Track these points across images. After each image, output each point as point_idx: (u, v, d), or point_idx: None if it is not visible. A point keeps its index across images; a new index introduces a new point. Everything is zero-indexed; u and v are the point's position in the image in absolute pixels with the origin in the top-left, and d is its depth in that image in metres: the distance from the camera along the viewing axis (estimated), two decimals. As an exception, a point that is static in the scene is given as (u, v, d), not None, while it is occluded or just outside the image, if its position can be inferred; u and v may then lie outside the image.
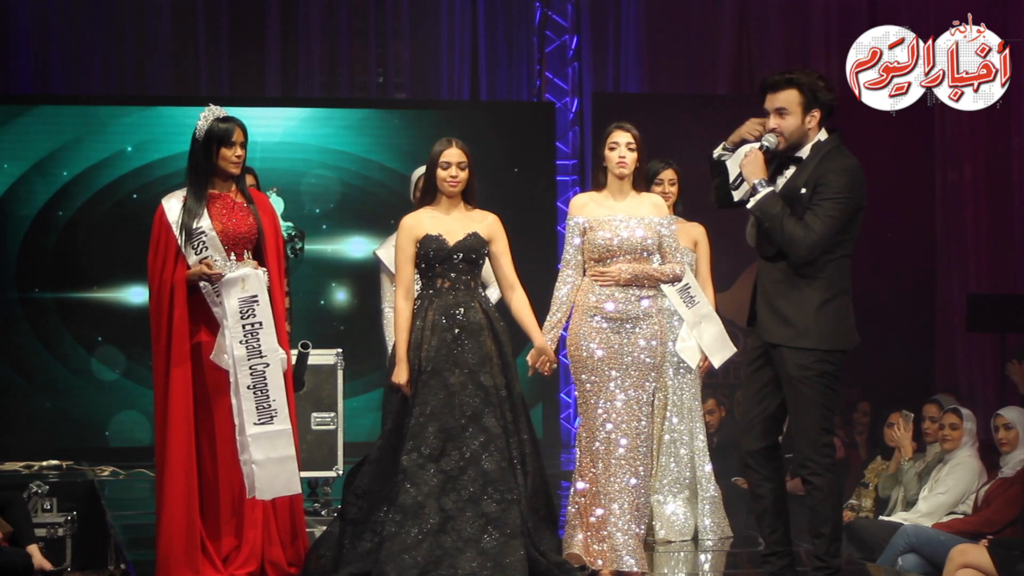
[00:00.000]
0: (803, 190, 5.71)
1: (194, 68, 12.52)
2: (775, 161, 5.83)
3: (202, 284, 6.12)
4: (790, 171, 5.81)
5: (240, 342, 6.01)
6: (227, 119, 6.24)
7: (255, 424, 6.00)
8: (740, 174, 5.82)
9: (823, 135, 5.81)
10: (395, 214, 7.61)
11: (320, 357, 8.73)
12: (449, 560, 5.84)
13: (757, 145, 5.79)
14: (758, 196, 5.73)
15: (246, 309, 6.03)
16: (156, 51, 12.38)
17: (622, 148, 6.29)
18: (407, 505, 5.90)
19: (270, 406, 6.03)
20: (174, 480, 6.11)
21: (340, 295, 11.92)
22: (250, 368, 6.01)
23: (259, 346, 6.03)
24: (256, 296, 6.04)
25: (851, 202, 5.70)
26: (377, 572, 5.84)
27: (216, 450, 6.14)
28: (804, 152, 5.79)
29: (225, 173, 6.25)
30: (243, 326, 6.02)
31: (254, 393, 6.01)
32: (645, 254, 6.25)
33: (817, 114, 5.77)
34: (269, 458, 6.00)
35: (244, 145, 6.25)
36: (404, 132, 11.99)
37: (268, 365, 6.04)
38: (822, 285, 5.72)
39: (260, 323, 6.03)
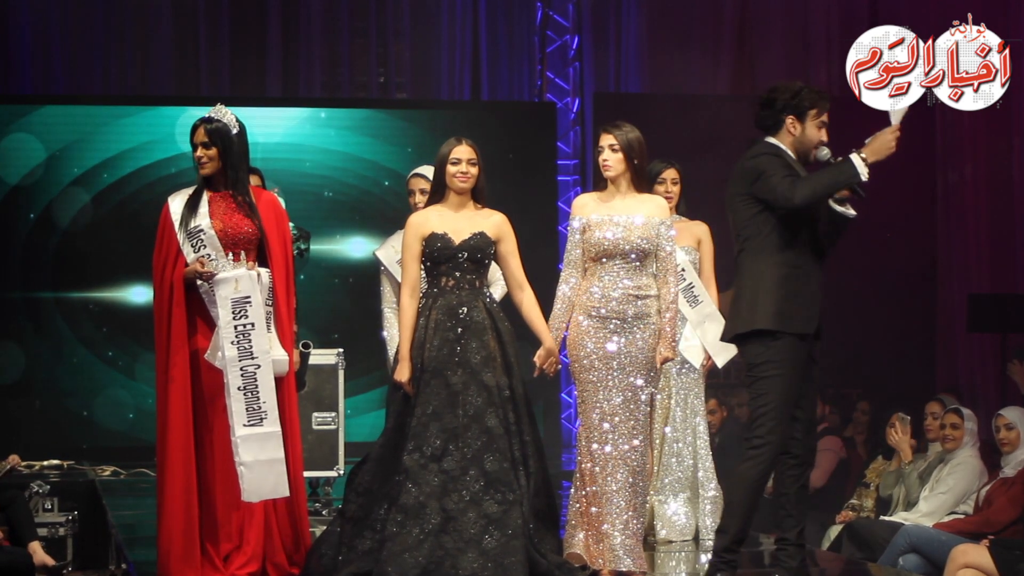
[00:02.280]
0: None
1: (194, 68, 12.52)
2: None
3: (199, 283, 6.09)
4: None
5: (231, 343, 5.96)
6: (198, 119, 6.20)
7: (244, 426, 5.96)
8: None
9: None
10: (395, 214, 7.61)
11: (320, 357, 8.73)
12: (450, 560, 5.82)
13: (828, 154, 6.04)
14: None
15: (238, 310, 5.98)
16: (157, 51, 12.39)
17: (605, 151, 6.28)
18: (408, 505, 5.89)
19: (260, 408, 5.98)
20: (173, 479, 6.09)
21: (340, 295, 11.90)
22: (241, 370, 5.96)
23: (251, 348, 5.97)
24: (249, 297, 5.99)
25: None
26: (378, 572, 5.83)
27: (216, 450, 6.11)
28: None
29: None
30: (235, 327, 5.97)
31: (244, 395, 5.97)
32: (642, 255, 6.23)
33: None
34: (257, 460, 5.97)
35: (208, 145, 6.12)
36: (404, 132, 11.99)
37: (259, 367, 5.98)
38: None
39: (252, 324, 5.98)
